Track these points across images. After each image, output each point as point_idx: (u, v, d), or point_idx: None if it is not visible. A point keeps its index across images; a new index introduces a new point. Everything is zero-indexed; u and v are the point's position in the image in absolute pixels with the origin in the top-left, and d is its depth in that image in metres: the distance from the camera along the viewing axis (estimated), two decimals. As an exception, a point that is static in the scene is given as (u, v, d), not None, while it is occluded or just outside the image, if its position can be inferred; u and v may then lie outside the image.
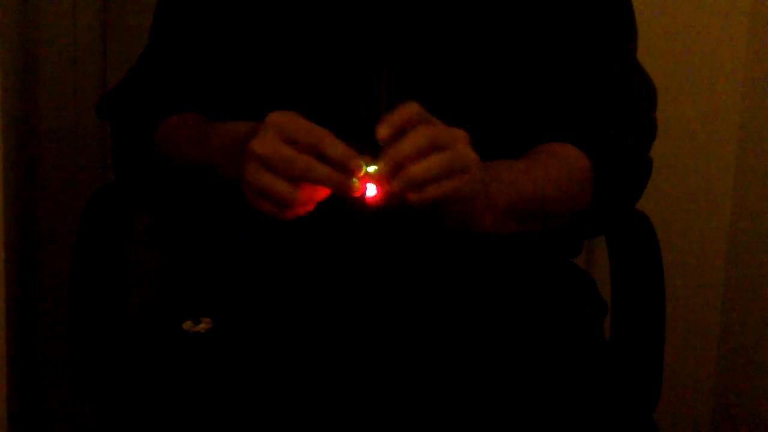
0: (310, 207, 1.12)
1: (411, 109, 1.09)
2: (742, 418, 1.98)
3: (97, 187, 1.49)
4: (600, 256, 1.80)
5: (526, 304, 1.32)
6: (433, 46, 1.27)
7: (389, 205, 1.11)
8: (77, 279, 1.41)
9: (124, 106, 1.37)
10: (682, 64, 1.88)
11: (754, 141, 1.91)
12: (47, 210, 1.83)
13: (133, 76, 1.40)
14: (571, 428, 1.21)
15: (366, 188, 1.09)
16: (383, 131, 1.08)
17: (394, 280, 1.28)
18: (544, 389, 1.22)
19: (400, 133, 1.08)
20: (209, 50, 1.34)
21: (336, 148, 1.08)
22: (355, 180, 1.08)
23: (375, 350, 1.23)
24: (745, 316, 1.95)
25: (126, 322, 1.44)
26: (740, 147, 1.91)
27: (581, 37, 1.31)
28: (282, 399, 1.19)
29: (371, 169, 1.09)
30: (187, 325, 1.28)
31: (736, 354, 1.97)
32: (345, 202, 1.12)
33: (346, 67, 1.26)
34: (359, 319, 1.26)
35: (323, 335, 1.25)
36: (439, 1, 1.27)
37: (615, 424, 1.26)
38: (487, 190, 1.16)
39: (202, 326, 1.28)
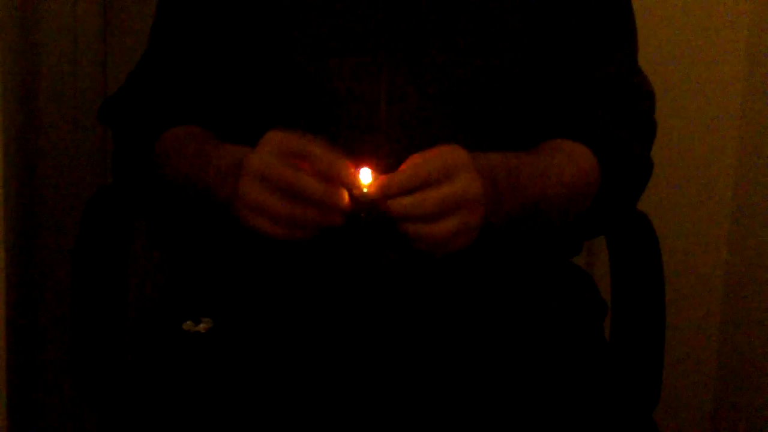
0: (306, 234, 1.12)
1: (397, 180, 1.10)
2: (742, 418, 1.98)
3: (97, 188, 1.49)
4: (600, 256, 1.80)
5: (526, 304, 1.32)
6: (433, 49, 1.27)
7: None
8: (77, 279, 1.41)
9: (125, 112, 1.37)
10: (682, 64, 1.88)
11: (754, 141, 1.91)
12: (47, 210, 1.83)
13: (133, 80, 1.40)
14: (571, 428, 1.21)
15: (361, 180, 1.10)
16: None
17: (394, 279, 1.28)
18: (545, 389, 1.22)
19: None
20: (208, 54, 1.34)
21: (323, 161, 1.09)
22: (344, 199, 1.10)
23: (375, 348, 1.24)
24: (745, 316, 1.95)
25: (126, 322, 1.44)
26: (740, 147, 1.92)
27: (583, 41, 1.31)
28: (282, 399, 1.19)
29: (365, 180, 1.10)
30: (187, 325, 1.28)
31: (736, 354, 1.97)
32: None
33: (346, 73, 1.26)
34: (359, 318, 1.26)
35: (324, 335, 1.25)
36: (440, 4, 1.27)
37: (615, 424, 1.26)
38: (496, 195, 1.15)
39: (202, 326, 1.28)
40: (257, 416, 1.18)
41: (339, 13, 1.27)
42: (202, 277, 1.38)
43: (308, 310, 1.27)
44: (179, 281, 1.42)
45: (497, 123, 1.29)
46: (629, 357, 1.37)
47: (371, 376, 1.21)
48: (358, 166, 1.11)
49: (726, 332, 1.97)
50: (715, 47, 1.88)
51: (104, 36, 1.83)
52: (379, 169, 1.12)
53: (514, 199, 1.18)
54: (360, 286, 1.27)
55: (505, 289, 1.32)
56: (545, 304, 1.34)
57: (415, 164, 1.10)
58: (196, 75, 1.35)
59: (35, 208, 1.82)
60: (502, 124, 1.29)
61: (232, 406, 1.19)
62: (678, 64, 1.88)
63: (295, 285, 1.29)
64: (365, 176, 1.11)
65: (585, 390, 1.26)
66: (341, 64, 1.26)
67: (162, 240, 1.44)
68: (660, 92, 1.39)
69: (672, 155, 1.87)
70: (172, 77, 1.36)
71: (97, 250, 1.41)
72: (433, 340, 1.25)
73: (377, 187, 1.10)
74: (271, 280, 1.30)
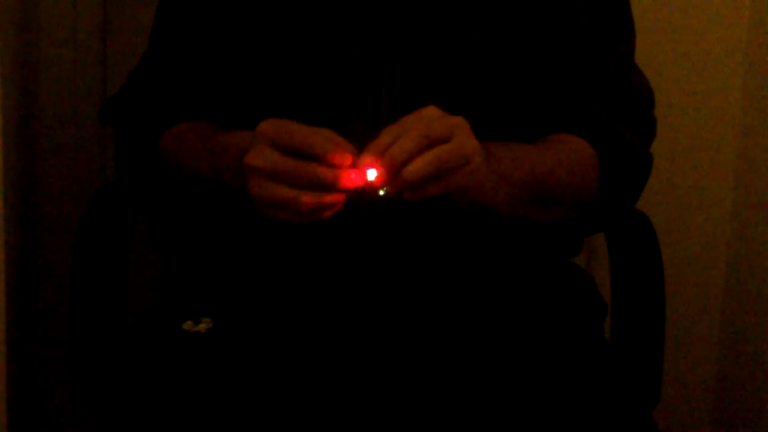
0: (327, 213, 1.12)
1: (393, 128, 1.09)
2: (742, 418, 1.98)
3: (97, 187, 1.49)
4: (600, 256, 1.80)
5: (525, 304, 1.32)
6: (434, 49, 1.27)
7: (390, 196, 1.11)
8: (77, 279, 1.41)
9: (127, 112, 1.37)
10: (682, 64, 1.88)
11: (754, 141, 1.91)
12: (47, 210, 1.83)
13: (134, 81, 1.40)
14: (571, 428, 1.21)
15: (366, 176, 1.09)
16: (365, 159, 1.08)
17: (394, 279, 1.28)
18: (544, 389, 1.22)
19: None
20: (210, 54, 1.34)
21: (323, 146, 1.09)
22: (340, 174, 1.08)
23: (375, 349, 1.24)
24: (745, 316, 1.95)
25: (126, 323, 1.44)
26: (740, 147, 1.92)
27: (582, 39, 1.31)
28: (282, 399, 1.19)
29: (371, 176, 1.09)
30: (187, 325, 1.28)
31: (736, 354, 1.97)
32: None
33: (347, 70, 1.26)
34: (359, 319, 1.26)
35: (323, 335, 1.25)
36: (440, 5, 1.27)
37: (615, 424, 1.26)
38: (500, 167, 1.16)
39: (202, 326, 1.28)
40: (257, 416, 1.18)
41: (340, 7, 1.27)
42: (202, 277, 1.38)
43: (308, 310, 1.27)
44: (179, 281, 1.42)
45: (498, 118, 1.29)
46: (629, 357, 1.37)
47: (371, 376, 1.21)
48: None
49: (726, 332, 1.97)
50: (715, 47, 1.88)
51: (104, 36, 1.83)
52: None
53: (514, 171, 1.18)
54: (360, 286, 1.28)
55: (504, 288, 1.32)
56: (545, 304, 1.34)
57: (416, 128, 1.09)
58: (197, 73, 1.35)
59: (35, 208, 1.82)
60: (503, 119, 1.29)
61: (232, 406, 1.19)
62: (678, 64, 1.88)
63: (294, 285, 1.29)
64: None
65: (585, 390, 1.26)
66: (342, 58, 1.26)
67: (163, 240, 1.44)
68: (660, 92, 1.39)
69: (672, 155, 1.87)
70: (174, 76, 1.36)
71: (98, 250, 1.41)
72: (433, 339, 1.25)
73: (384, 167, 1.08)
74: (270, 280, 1.30)
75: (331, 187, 1.08)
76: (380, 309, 1.27)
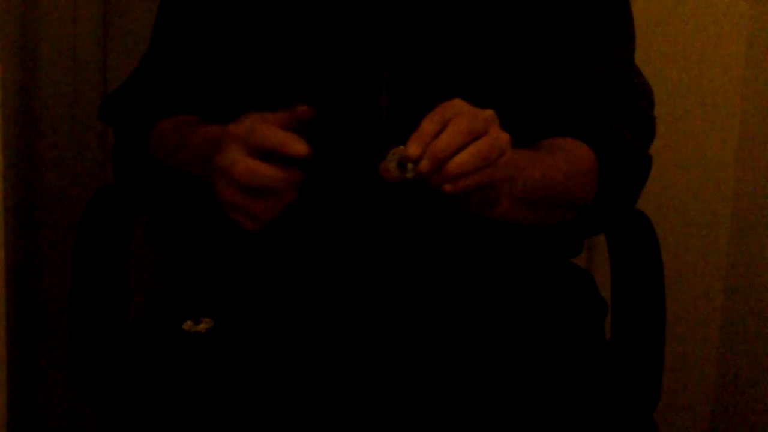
0: (278, 212, 1.13)
1: (434, 119, 1.09)
2: (742, 419, 1.98)
3: (97, 187, 1.49)
4: (600, 256, 1.80)
5: (526, 304, 1.32)
6: (435, 45, 1.27)
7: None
8: (77, 279, 1.41)
9: (125, 109, 1.37)
10: (682, 63, 1.88)
11: (754, 141, 1.91)
12: (47, 210, 1.83)
13: (135, 79, 1.40)
14: (571, 428, 1.21)
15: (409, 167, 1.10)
16: (414, 150, 1.08)
17: (394, 279, 1.28)
18: (544, 389, 1.22)
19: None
20: (211, 51, 1.34)
21: (291, 144, 1.10)
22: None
23: (375, 349, 1.24)
24: (745, 316, 1.95)
25: (126, 323, 1.44)
26: (740, 147, 1.92)
27: (582, 40, 1.31)
28: (282, 399, 1.19)
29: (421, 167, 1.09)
30: (187, 325, 1.28)
31: (736, 354, 1.97)
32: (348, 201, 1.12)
33: (348, 66, 1.27)
34: (359, 318, 1.26)
35: (323, 335, 1.25)
36: (444, 4, 1.27)
37: (615, 424, 1.26)
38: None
39: (202, 326, 1.28)
40: (257, 416, 1.18)
41: (341, 6, 1.27)
42: (202, 277, 1.38)
43: (308, 310, 1.27)
44: (179, 281, 1.42)
45: (498, 117, 1.29)
46: (629, 357, 1.37)
47: (371, 376, 1.21)
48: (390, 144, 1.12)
49: (726, 332, 1.97)
50: (715, 47, 1.88)
51: (104, 36, 1.83)
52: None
53: (522, 176, 1.18)
54: (360, 286, 1.28)
55: (504, 288, 1.32)
56: (545, 304, 1.34)
57: (460, 121, 1.10)
58: (197, 71, 1.35)
59: (35, 208, 1.82)
60: (503, 118, 1.29)
61: (232, 406, 1.19)
62: (678, 64, 1.88)
63: (294, 284, 1.29)
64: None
65: (585, 390, 1.26)
66: (343, 53, 1.26)
67: (161, 239, 1.44)
68: (660, 92, 1.39)
69: (672, 155, 1.87)
70: (174, 74, 1.36)
71: (97, 250, 1.41)
72: (433, 339, 1.25)
73: (430, 159, 1.09)
74: (270, 280, 1.31)
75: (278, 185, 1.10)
76: (381, 309, 1.27)
